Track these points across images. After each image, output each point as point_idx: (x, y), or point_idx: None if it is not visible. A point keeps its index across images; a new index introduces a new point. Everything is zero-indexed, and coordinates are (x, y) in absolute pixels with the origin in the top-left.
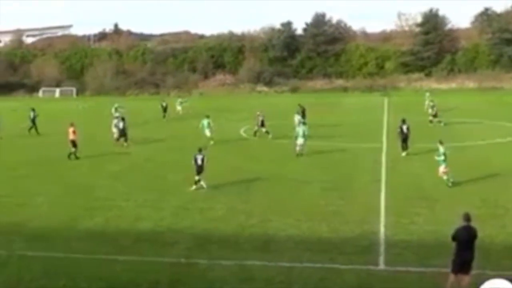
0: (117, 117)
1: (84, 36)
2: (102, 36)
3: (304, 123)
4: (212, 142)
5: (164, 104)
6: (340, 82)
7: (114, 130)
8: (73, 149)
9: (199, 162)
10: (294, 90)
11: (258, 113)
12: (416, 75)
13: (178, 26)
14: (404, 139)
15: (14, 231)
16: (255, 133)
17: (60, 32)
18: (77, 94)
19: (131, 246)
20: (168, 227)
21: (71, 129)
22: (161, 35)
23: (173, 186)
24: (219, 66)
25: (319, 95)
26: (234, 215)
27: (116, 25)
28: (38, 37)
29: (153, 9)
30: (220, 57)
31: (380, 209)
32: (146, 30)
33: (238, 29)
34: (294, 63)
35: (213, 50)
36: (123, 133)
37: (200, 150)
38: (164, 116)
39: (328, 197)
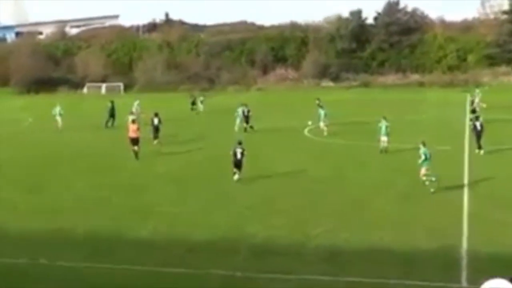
0: (132, 113)
1: (132, 27)
2: (151, 26)
3: (384, 118)
4: (236, 129)
5: (197, 99)
6: (415, 77)
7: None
8: (135, 148)
9: (239, 156)
10: (364, 85)
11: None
12: (502, 69)
13: (235, 15)
14: (478, 136)
15: (55, 239)
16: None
17: (106, 23)
18: (125, 90)
19: (182, 256)
20: (224, 236)
21: (134, 126)
22: (216, 26)
23: (230, 189)
24: (280, 59)
25: (391, 91)
26: (297, 223)
27: (167, 15)
28: (82, 28)
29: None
30: (281, 49)
31: (463, 218)
32: (200, 20)
33: (301, 19)
34: (363, 56)
35: (273, 41)
36: (157, 130)
37: (239, 143)
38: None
39: (403, 204)
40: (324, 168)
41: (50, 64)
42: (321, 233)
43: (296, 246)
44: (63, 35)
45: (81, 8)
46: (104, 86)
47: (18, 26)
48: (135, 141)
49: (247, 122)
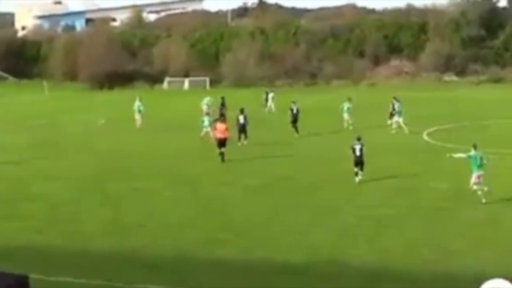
0: (208, 114)
1: (219, 12)
2: (242, 11)
3: None
4: (345, 125)
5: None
6: None
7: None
8: (223, 149)
9: (358, 152)
10: (496, 80)
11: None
12: None
13: None
14: None
15: (131, 258)
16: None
17: (189, 7)
18: (211, 85)
19: (276, 280)
20: (325, 258)
21: (223, 126)
22: (319, 10)
23: (331, 203)
24: (394, 49)
25: None
26: (413, 246)
27: None
28: (161, 14)
29: None
30: (396, 37)
31: None
32: (299, 4)
33: (419, 2)
34: (494, 45)
35: (386, 28)
36: (243, 129)
37: (359, 139)
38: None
39: None
40: (442, 179)
41: (125, 55)
42: (440, 258)
43: (412, 272)
44: (139, 22)
45: None
46: (186, 80)
47: (88, 12)
48: (222, 143)
49: (294, 121)
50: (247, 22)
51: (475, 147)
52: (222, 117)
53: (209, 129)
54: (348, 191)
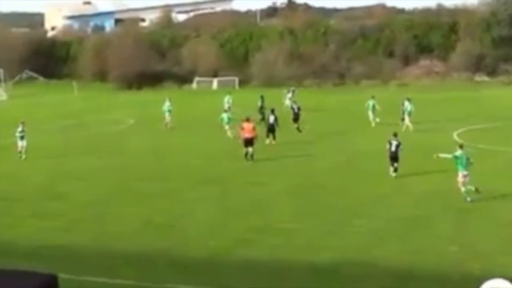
0: (226, 111)
1: (249, 12)
2: (271, 11)
3: None
4: (373, 125)
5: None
6: None
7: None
8: (250, 149)
9: (393, 148)
10: None
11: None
12: None
13: None
14: None
15: (161, 258)
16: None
17: (218, 7)
18: (240, 85)
19: (306, 281)
20: (354, 259)
21: (250, 125)
22: (348, 10)
23: (359, 203)
24: (424, 49)
25: None
26: (443, 246)
27: None
28: (191, 14)
29: None
30: (426, 37)
31: None
32: (328, 4)
33: (449, 1)
34: None
35: (416, 28)
36: (272, 129)
37: (395, 135)
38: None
39: None
40: (472, 179)
41: (154, 55)
42: (470, 258)
43: (442, 273)
44: (168, 22)
45: None
46: (215, 80)
47: (117, 12)
48: (249, 142)
49: (295, 119)
50: (276, 22)
51: (461, 146)
52: (262, 116)
53: (227, 126)
54: (376, 191)
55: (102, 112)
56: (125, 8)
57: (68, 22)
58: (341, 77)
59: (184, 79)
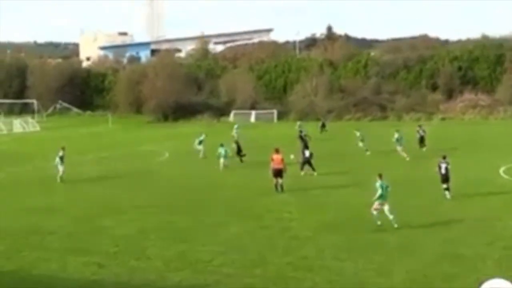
0: (222, 145)
1: (287, 43)
2: (311, 42)
3: None
4: (406, 158)
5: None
6: None
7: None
8: (280, 180)
9: (443, 170)
10: None
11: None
12: None
13: (413, 28)
14: None
15: None
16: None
17: (256, 38)
18: (279, 118)
19: None
20: None
21: (279, 156)
22: (390, 41)
23: (405, 240)
24: (468, 81)
25: None
26: None
27: (329, 28)
28: (228, 45)
29: (378, 7)
30: (470, 69)
31: None
32: (369, 35)
33: (494, 32)
34: None
35: (460, 60)
36: (308, 162)
37: (444, 158)
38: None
39: None
40: None
41: (190, 87)
42: None
43: None
44: (205, 53)
45: (227, 21)
46: (253, 113)
47: (153, 42)
48: (279, 173)
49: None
50: (315, 53)
51: (380, 176)
52: (305, 146)
53: (222, 160)
54: (420, 227)
55: (138, 144)
56: (161, 38)
57: (103, 52)
58: (383, 111)
59: (221, 111)
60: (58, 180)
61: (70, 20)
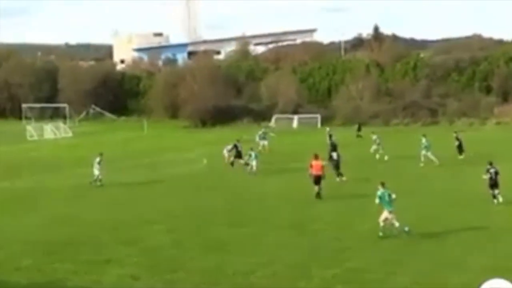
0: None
1: (332, 44)
2: (357, 43)
3: None
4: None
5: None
6: None
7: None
8: (316, 188)
9: (493, 176)
10: None
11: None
12: None
13: (465, 28)
14: None
15: None
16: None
17: (299, 39)
18: (323, 123)
19: None
20: None
21: (318, 163)
22: (441, 41)
23: (455, 252)
24: None
25: None
26: None
27: (376, 29)
28: (270, 46)
29: (428, 6)
30: None
31: None
32: (419, 35)
33: None
34: None
35: None
36: (336, 167)
37: (490, 164)
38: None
39: None
40: None
41: (230, 90)
42: None
43: None
44: (245, 54)
45: (268, 21)
46: (296, 118)
47: (191, 44)
48: (318, 180)
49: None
50: (361, 55)
51: (382, 184)
52: (333, 149)
53: (254, 162)
54: (469, 239)
55: (174, 151)
56: (199, 40)
57: (137, 54)
58: (433, 115)
59: (262, 116)
60: (96, 183)
61: (102, 21)
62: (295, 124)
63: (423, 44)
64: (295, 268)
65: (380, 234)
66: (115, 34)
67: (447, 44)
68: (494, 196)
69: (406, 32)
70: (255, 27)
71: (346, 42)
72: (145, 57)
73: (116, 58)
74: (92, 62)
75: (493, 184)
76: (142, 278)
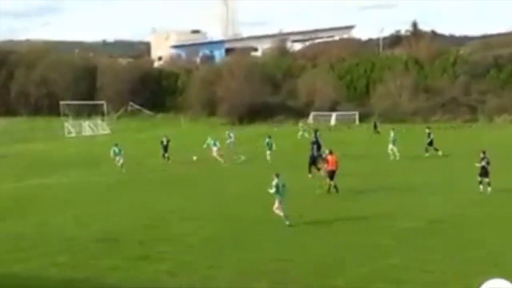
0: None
1: (370, 41)
2: (395, 39)
3: None
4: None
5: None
6: None
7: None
8: (329, 181)
9: (485, 164)
10: None
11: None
12: None
13: (505, 24)
14: None
15: None
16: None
17: (337, 36)
18: (360, 120)
19: None
20: None
21: (333, 158)
22: (481, 38)
23: (494, 250)
24: None
25: None
26: None
27: (414, 25)
28: (307, 43)
29: (468, 2)
30: None
31: None
32: (458, 31)
33: None
34: None
35: None
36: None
37: (484, 153)
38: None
39: None
40: None
41: (267, 87)
42: None
43: None
44: (283, 51)
45: (306, 18)
46: (334, 115)
47: (228, 41)
48: (332, 175)
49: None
50: (400, 51)
51: (277, 175)
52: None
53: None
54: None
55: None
56: (236, 37)
57: (175, 51)
58: (473, 112)
59: (300, 113)
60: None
61: (140, 18)
62: (333, 121)
63: (463, 41)
64: (331, 265)
65: (287, 223)
66: (153, 31)
67: (487, 41)
68: (481, 183)
69: (445, 28)
70: (292, 24)
71: (384, 39)
72: (183, 54)
73: (154, 55)
74: (130, 60)
75: (484, 173)
76: (179, 275)
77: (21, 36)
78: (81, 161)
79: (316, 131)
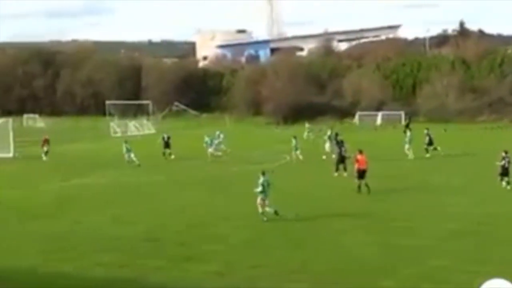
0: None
1: (416, 40)
2: (442, 39)
3: None
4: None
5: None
6: None
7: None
8: (357, 181)
9: (506, 164)
10: None
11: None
12: None
13: None
14: None
15: None
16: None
17: (383, 35)
18: (407, 120)
19: None
20: None
21: (363, 157)
22: None
23: None
24: None
25: None
26: None
27: (462, 24)
28: (353, 43)
29: None
30: None
31: None
32: (506, 30)
33: None
34: None
35: None
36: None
37: (506, 152)
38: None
39: None
40: None
41: (312, 87)
42: None
43: None
44: (329, 51)
45: (352, 17)
46: (380, 114)
47: (273, 41)
48: (363, 174)
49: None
50: (447, 51)
51: (263, 173)
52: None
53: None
54: None
55: (255, 148)
56: (282, 36)
57: (220, 51)
58: None
59: (345, 113)
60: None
61: (185, 18)
62: (378, 121)
63: (510, 40)
64: (378, 266)
65: (265, 219)
66: (198, 31)
67: None
68: (502, 180)
69: (493, 27)
70: (338, 23)
71: (431, 38)
72: (228, 54)
73: (199, 55)
74: (175, 59)
75: (504, 172)
76: (227, 274)
77: (68, 37)
78: (126, 160)
79: (336, 134)
